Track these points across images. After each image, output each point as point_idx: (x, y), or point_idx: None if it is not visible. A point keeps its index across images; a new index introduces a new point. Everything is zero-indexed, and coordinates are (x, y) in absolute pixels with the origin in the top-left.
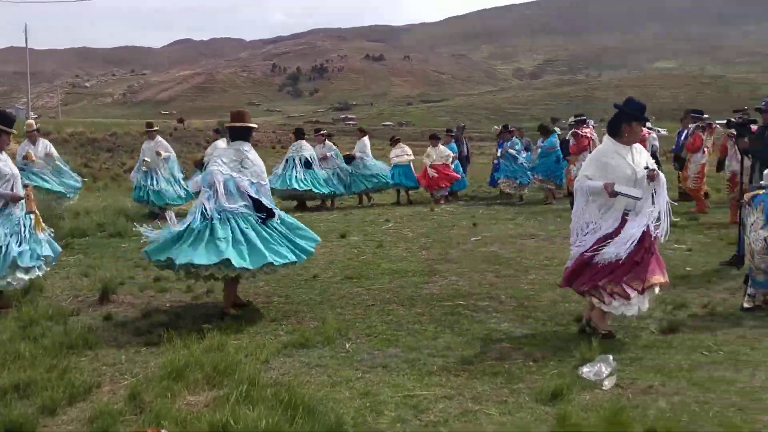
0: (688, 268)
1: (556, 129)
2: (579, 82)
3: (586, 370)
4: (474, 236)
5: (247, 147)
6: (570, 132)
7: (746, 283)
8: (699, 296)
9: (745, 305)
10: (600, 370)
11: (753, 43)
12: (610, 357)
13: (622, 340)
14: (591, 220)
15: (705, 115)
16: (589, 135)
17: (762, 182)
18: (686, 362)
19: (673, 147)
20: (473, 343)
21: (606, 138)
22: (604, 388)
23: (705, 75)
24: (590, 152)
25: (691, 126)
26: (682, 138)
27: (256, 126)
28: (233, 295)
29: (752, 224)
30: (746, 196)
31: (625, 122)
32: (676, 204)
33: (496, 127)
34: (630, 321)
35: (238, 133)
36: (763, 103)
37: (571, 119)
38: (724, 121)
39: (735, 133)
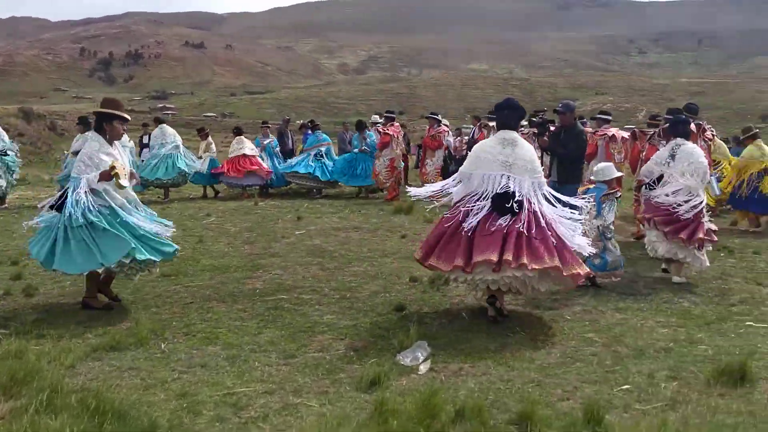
0: None
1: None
2: (401, 80)
3: (403, 357)
4: (298, 230)
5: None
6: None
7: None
8: None
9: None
10: (416, 356)
11: (554, 49)
12: (426, 343)
13: (438, 326)
14: None
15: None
16: (391, 132)
17: (591, 177)
18: (494, 344)
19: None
20: (296, 336)
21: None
22: (420, 373)
23: (513, 77)
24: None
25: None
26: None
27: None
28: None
29: (587, 215)
30: (579, 190)
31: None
32: None
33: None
34: (445, 308)
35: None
36: (560, 105)
37: (375, 116)
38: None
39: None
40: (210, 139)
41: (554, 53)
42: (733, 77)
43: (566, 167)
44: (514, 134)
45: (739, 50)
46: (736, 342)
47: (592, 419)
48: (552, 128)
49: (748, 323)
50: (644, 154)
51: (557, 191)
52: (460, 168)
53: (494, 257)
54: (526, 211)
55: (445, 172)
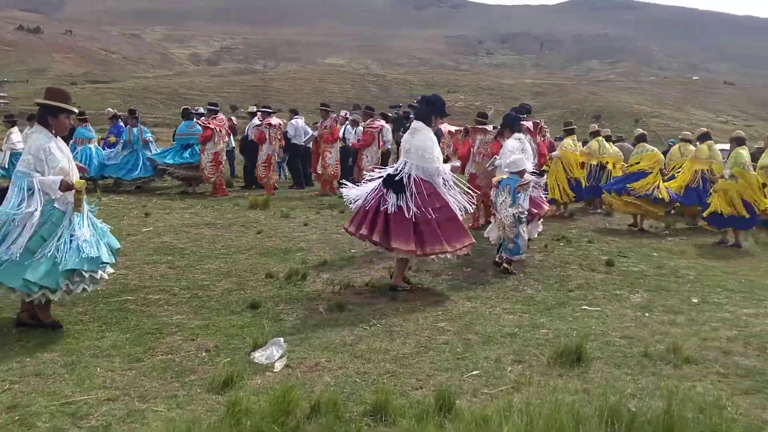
0: (353, 250)
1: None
2: (257, 72)
3: (258, 355)
4: (146, 227)
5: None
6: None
7: (499, 251)
8: (362, 275)
9: (505, 265)
10: (272, 353)
11: (409, 47)
12: (282, 339)
13: (293, 322)
14: None
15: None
16: (213, 126)
17: (505, 169)
18: (350, 337)
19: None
20: (142, 339)
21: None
22: (275, 370)
23: (370, 73)
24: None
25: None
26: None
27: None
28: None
29: (501, 203)
30: (493, 180)
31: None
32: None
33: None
34: (302, 303)
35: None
36: (416, 101)
37: (201, 108)
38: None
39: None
40: (16, 128)
41: (409, 51)
42: (570, 79)
43: None
44: (420, 124)
45: (576, 54)
46: (574, 325)
47: (444, 406)
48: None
49: (583, 307)
50: (477, 148)
51: None
52: None
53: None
54: (408, 192)
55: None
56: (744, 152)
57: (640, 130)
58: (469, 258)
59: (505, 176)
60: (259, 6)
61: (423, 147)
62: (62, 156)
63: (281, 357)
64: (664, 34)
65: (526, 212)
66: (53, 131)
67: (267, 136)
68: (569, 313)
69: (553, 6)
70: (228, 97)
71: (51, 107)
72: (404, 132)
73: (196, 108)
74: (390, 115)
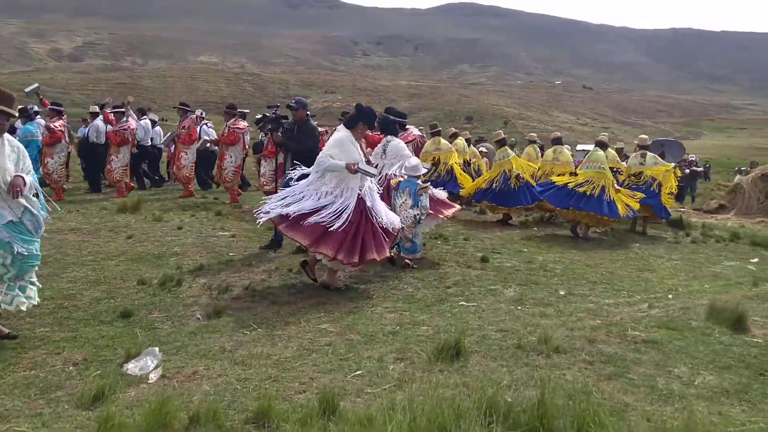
0: (231, 254)
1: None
2: (123, 69)
3: (131, 366)
4: None
5: None
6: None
7: (392, 248)
8: (241, 279)
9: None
10: (146, 363)
11: (285, 46)
12: (156, 349)
13: (168, 330)
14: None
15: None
16: (56, 129)
17: (402, 171)
18: (230, 343)
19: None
20: (1, 354)
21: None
22: (150, 381)
23: (245, 72)
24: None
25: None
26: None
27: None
28: None
29: (401, 205)
30: (392, 182)
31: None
32: None
33: None
34: (177, 310)
35: None
36: (293, 102)
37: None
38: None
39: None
40: None
41: (284, 50)
42: (443, 82)
43: (301, 161)
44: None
45: (449, 57)
46: (452, 321)
47: (328, 408)
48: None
49: (461, 303)
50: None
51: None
52: None
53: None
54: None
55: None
56: (600, 153)
57: (501, 134)
58: None
59: (403, 179)
60: (126, 1)
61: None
62: None
63: (156, 367)
64: (530, 41)
65: (426, 214)
66: None
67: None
68: (448, 310)
69: (426, 10)
70: (92, 94)
71: None
72: (282, 133)
73: (31, 106)
74: (268, 115)
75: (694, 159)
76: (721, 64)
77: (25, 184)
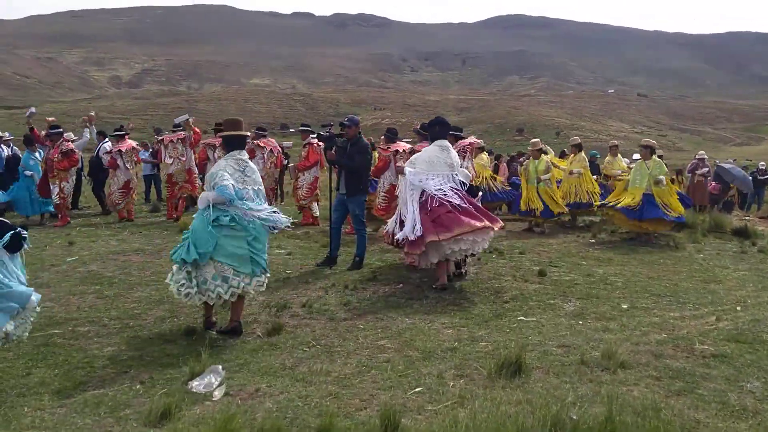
0: (288, 271)
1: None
2: (180, 93)
3: (195, 384)
4: (70, 256)
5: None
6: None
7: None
8: (298, 296)
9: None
10: (210, 381)
11: (334, 66)
12: (219, 367)
13: (231, 348)
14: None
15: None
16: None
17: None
18: (290, 360)
19: None
20: (72, 373)
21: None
22: (214, 398)
23: (296, 93)
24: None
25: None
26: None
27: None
28: None
29: None
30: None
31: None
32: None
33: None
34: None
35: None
36: (346, 120)
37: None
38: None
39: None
40: None
41: (334, 69)
42: (493, 94)
43: (353, 180)
44: (446, 142)
45: (497, 70)
46: (511, 336)
47: (389, 425)
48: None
49: (519, 318)
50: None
51: (346, 203)
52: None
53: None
54: None
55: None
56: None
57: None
58: (404, 274)
59: None
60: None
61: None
62: None
63: (220, 385)
64: (579, 50)
65: None
66: None
67: (120, 162)
68: (506, 325)
69: (473, 24)
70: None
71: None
72: (336, 151)
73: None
74: (322, 134)
75: (763, 166)
76: None
77: None
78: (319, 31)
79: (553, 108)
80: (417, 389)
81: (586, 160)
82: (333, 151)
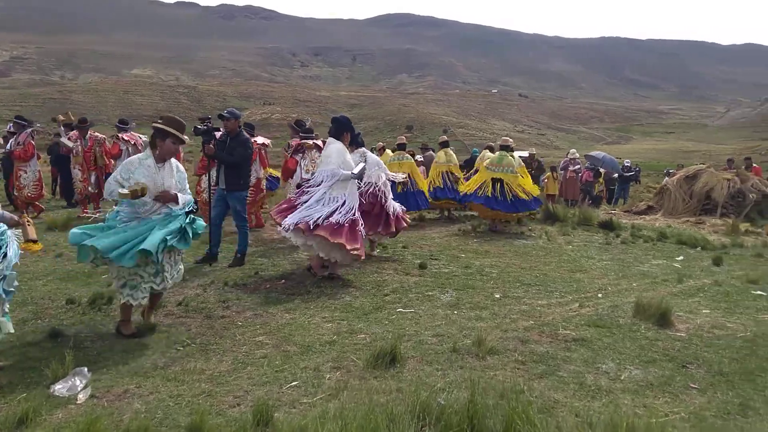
0: None
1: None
2: (53, 83)
3: (58, 387)
4: None
5: None
6: None
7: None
8: (174, 294)
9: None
10: (74, 384)
11: (221, 58)
12: (85, 369)
13: (99, 349)
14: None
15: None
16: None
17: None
18: (162, 360)
19: None
20: None
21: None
22: (78, 401)
23: (180, 85)
24: None
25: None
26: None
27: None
28: None
29: None
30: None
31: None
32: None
33: None
34: (108, 328)
35: None
36: (226, 112)
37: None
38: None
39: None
40: None
41: (221, 62)
42: (383, 92)
43: (233, 174)
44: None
45: (386, 68)
46: (389, 328)
47: (261, 420)
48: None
49: (398, 310)
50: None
51: (226, 198)
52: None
53: None
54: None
55: None
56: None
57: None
58: (286, 270)
59: None
60: (52, 13)
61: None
62: None
63: (85, 387)
64: (465, 50)
65: None
66: None
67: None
68: (385, 317)
69: (362, 21)
70: (22, 111)
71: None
72: (215, 145)
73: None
74: (199, 127)
75: (628, 164)
76: (648, 71)
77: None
78: (205, 22)
79: (441, 106)
80: (293, 383)
81: (454, 156)
82: (212, 145)
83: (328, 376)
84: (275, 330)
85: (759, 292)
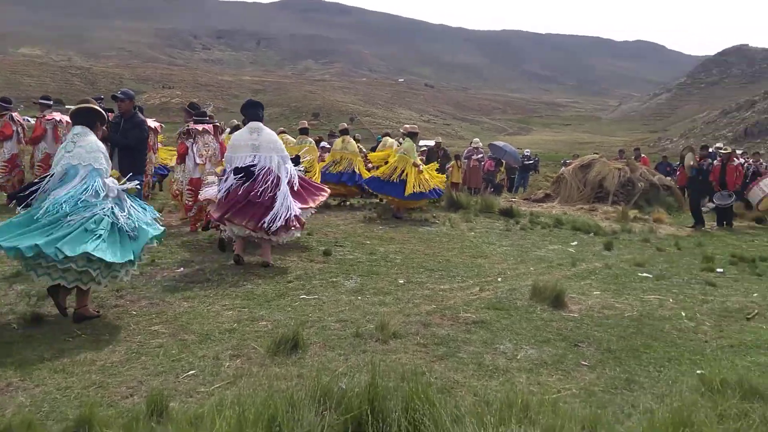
0: None
1: None
2: None
3: None
4: None
5: None
6: None
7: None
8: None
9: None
10: None
11: (118, 39)
12: None
13: None
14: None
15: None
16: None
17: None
18: (50, 352)
19: None
20: None
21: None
22: None
23: (73, 66)
24: None
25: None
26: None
27: None
28: None
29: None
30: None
31: None
32: None
33: None
34: None
35: None
36: (120, 93)
37: None
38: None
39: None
40: None
41: (117, 43)
42: (288, 78)
43: (127, 157)
44: (260, 124)
45: (292, 53)
46: (292, 314)
47: (156, 410)
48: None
49: (302, 296)
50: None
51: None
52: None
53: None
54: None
55: None
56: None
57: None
58: (185, 258)
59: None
60: None
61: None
62: None
63: None
64: (372, 38)
65: None
66: None
67: None
68: (288, 304)
69: (267, 4)
70: None
71: None
72: (108, 127)
73: None
74: None
75: (528, 154)
76: (548, 65)
77: None
78: (100, 2)
79: (348, 94)
80: (190, 372)
81: (352, 143)
82: (105, 128)
83: (227, 364)
84: (172, 319)
85: (645, 274)
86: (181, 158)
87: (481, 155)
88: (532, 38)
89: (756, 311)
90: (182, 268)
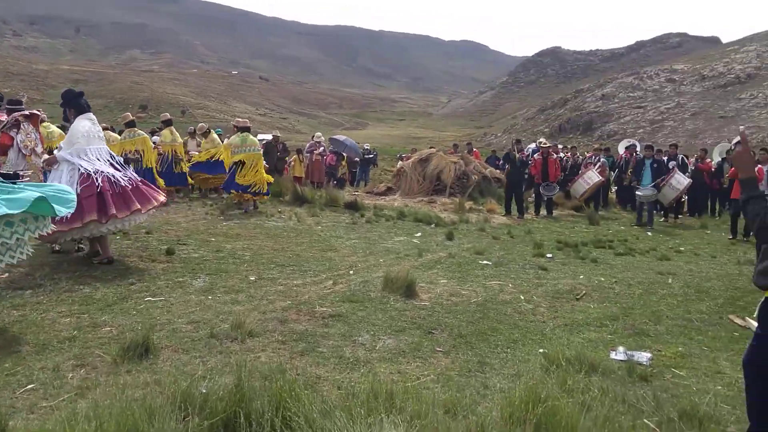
0: None
1: None
2: None
3: None
4: None
5: None
6: None
7: None
8: None
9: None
10: None
11: None
12: None
13: None
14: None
15: None
16: None
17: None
18: None
19: None
20: None
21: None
22: None
23: None
24: None
25: None
26: None
27: None
28: None
29: None
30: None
31: None
32: None
33: None
34: None
35: None
36: None
37: None
38: None
39: None
40: None
41: None
42: (112, 68)
43: None
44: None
45: (116, 42)
46: (138, 318)
47: None
48: None
49: (147, 299)
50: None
51: None
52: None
53: None
54: None
55: None
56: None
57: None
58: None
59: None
60: None
61: None
62: None
63: None
64: (203, 29)
65: None
66: None
67: None
68: (132, 307)
69: None
70: None
71: None
72: None
73: None
74: None
75: (367, 147)
76: (382, 61)
77: None
78: None
79: (178, 86)
80: (28, 387)
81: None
82: None
83: (70, 375)
84: (2, 330)
85: (485, 262)
86: (4, 150)
87: (323, 149)
88: (365, 35)
89: (584, 292)
90: (7, 274)
